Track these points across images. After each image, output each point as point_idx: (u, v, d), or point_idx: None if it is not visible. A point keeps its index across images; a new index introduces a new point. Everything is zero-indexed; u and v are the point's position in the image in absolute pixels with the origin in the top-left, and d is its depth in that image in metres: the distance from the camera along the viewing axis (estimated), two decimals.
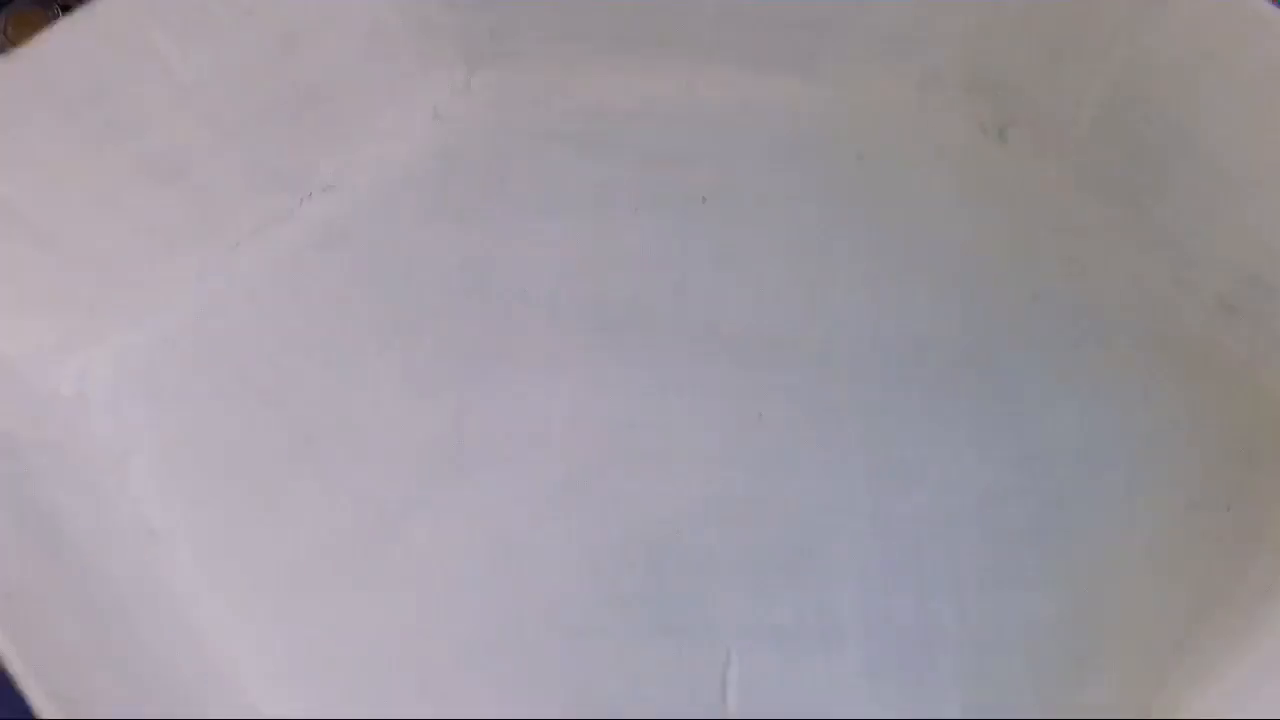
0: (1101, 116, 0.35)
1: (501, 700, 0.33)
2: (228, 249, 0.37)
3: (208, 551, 0.34)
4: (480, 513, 0.35)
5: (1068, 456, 0.35)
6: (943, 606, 0.34)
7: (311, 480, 0.35)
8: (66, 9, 0.39)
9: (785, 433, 0.35)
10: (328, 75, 0.36)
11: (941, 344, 0.36)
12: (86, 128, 0.33)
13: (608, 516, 0.35)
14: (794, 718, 0.33)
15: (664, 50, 0.38)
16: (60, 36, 0.32)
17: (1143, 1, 0.33)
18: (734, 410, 0.36)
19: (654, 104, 0.39)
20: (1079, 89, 0.36)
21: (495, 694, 0.33)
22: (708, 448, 0.36)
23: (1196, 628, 0.33)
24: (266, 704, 0.33)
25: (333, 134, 0.37)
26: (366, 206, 0.38)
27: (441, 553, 0.34)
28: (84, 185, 0.33)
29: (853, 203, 0.38)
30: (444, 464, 0.35)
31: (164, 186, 0.35)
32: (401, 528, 0.35)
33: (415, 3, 0.36)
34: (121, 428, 0.35)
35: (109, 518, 0.34)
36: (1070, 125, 0.36)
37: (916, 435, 0.35)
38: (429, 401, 0.36)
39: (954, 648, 0.33)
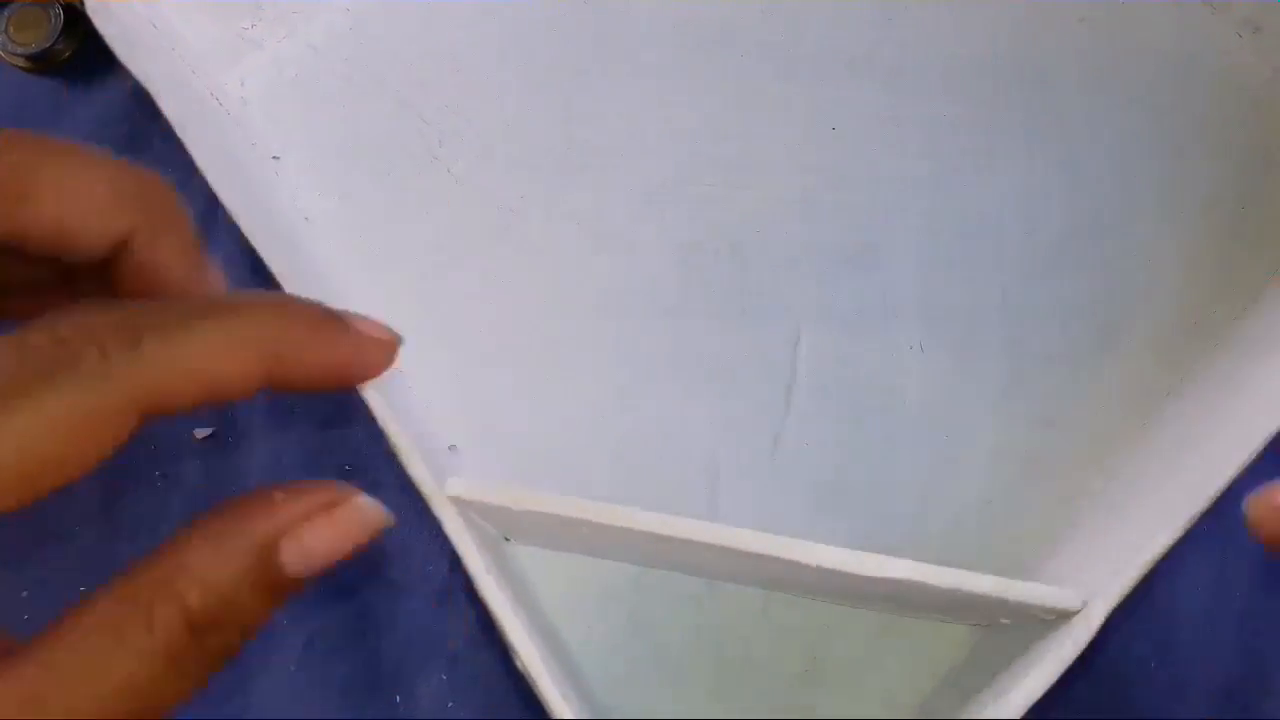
0: None
1: (601, 367, 0.38)
2: None
3: (354, 236, 0.39)
4: (585, 208, 0.40)
5: (1105, 162, 0.39)
6: (988, 290, 0.38)
7: (443, 177, 0.40)
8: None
9: (855, 142, 0.40)
10: None
11: (998, 62, 0.40)
12: None
13: (696, 214, 0.40)
14: (855, 384, 0.38)
15: None
16: None
17: None
18: (810, 122, 0.40)
19: None
20: None
21: (597, 361, 0.38)
22: (786, 155, 0.40)
23: (1208, 306, 0.37)
24: (404, 362, 0.38)
25: None
26: None
27: (552, 242, 0.39)
28: None
29: None
30: (555, 165, 0.40)
31: None
32: (518, 219, 0.40)
33: None
34: (277, 126, 0.40)
35: (267, 206, 0.39)
36: None
37: (972, 145, 0.39)
38: (543, 111, 0.40)
39: (997, 324, 0.38)
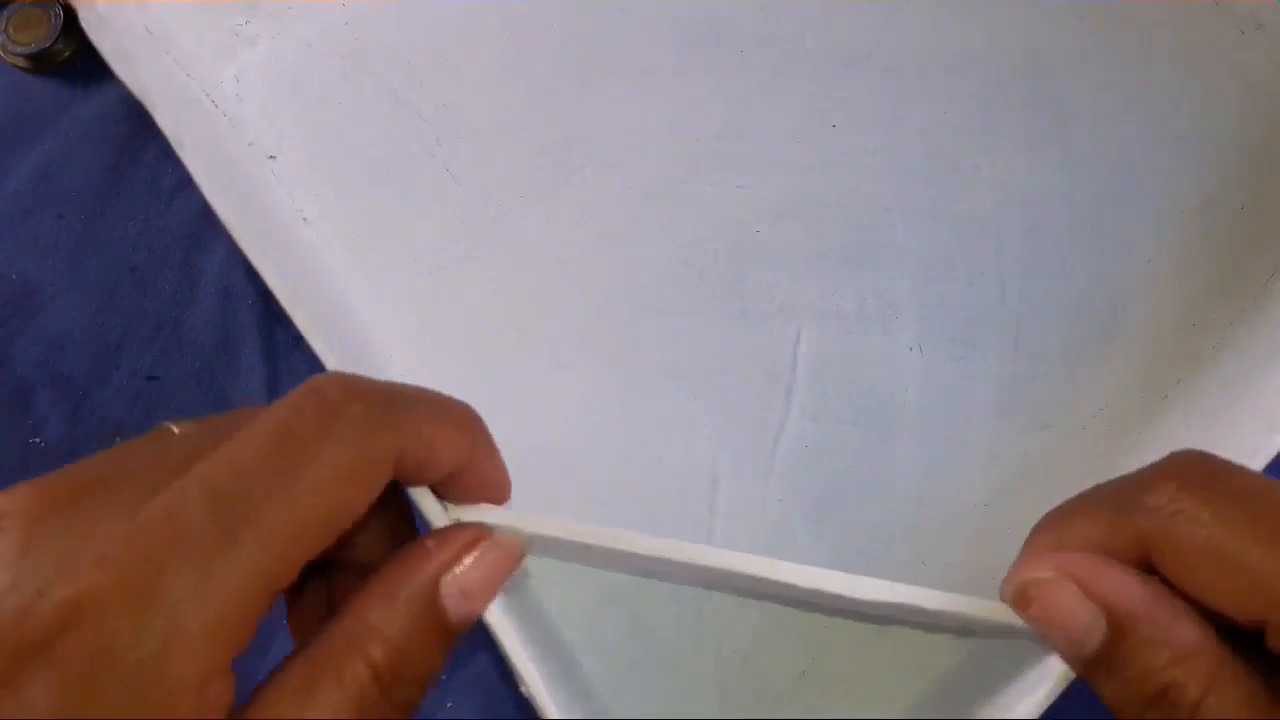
0: None
1: (601, 367, 0.38)
2: None
3: (352, 235, 0.39)
4: (584, 209, 0.40)
5: (1104, 161, 0.39)
6: (987, 291, 0.38)
7: (441, 176, 0.40)
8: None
9: (854, 140, 0.40)
10: None
11: (998, 60, 0.40)
12: None
13: (696, 215, 0.40)
14: (854, 385, 0.38)
15: None
16: None
17: None
18: (810, 120, 0.40)
19: None
20: None
21: (597, 361, 0.38)
22: (785, 154, 0.40)
23: (1208, 307, 0.37)
24: (399, 361, 0.38)
25: None
26: None
27: (551, 242, 0.39)
28: None
29: None
30: (553, 164, 0.40)
31: None
32: (517, 219, 0.39)
33: None
34: (274, 124, 0.40)
35: (265, 207, 0.38)
36: None
37: (972, 143, 0.39)
38: (542, 110, 0.40)
39: (996, 326, 0.38)
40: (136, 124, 0.41)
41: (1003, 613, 0.25)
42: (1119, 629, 0.22)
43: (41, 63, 0.41)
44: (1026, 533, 0.35)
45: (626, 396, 0.38)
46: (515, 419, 0.37)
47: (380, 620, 0.22)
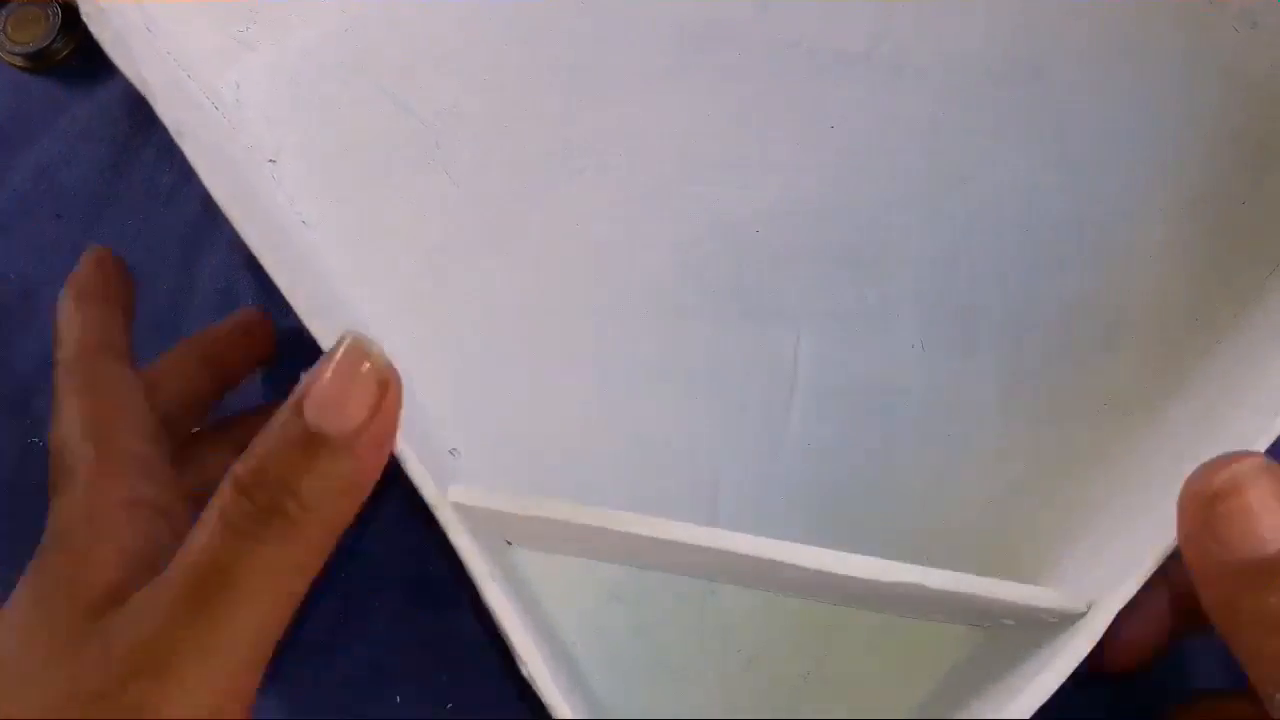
0: None
1: (602, 370, 0.38)
2: None
3: (354, 241, 0.39)
4: (584, 211, 0.39)
5: (1104, 158, 0.39)
6: (988, 289, 0.38)
7: (440, 179, 0.40)
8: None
9: (854, 141, 0.40)
10: None
11: (997, 58, 0.40)
12: None
13: (694, 217, 0.39)
14: (856, 385, 0.38)
15: None
16: None
17: None
18: (808, 121, 0.40)
19: None
20: None
21: (598, 362, 0.38)
22: (784, 155, 0.40)
23: (1209, 303, 0.37)
24: (397, 365, 0.37)
25: None
26: None
27: (551, 244, 0.39)
28: None
29: None
30: (553, 166, 0.40)
31: None
32: (517, 223, 0.39)
33: None
34: (274, 130, 0.39)
35: (265, 210, 0.38)
36: None
37: (972, 142, 0.39)
38: (540, 111, 0.40)
39: (997, 324, 0.38)
40: (135, 123, 0.41)
41: (1008, 590, 0.25)
42: None
43: (40, 62, 0.41)
44: (1032, 531, 0.35)
45: (627, 398, 0.38)
46: (515, 421, 0.37)
47: (252, 442, 0.23)
